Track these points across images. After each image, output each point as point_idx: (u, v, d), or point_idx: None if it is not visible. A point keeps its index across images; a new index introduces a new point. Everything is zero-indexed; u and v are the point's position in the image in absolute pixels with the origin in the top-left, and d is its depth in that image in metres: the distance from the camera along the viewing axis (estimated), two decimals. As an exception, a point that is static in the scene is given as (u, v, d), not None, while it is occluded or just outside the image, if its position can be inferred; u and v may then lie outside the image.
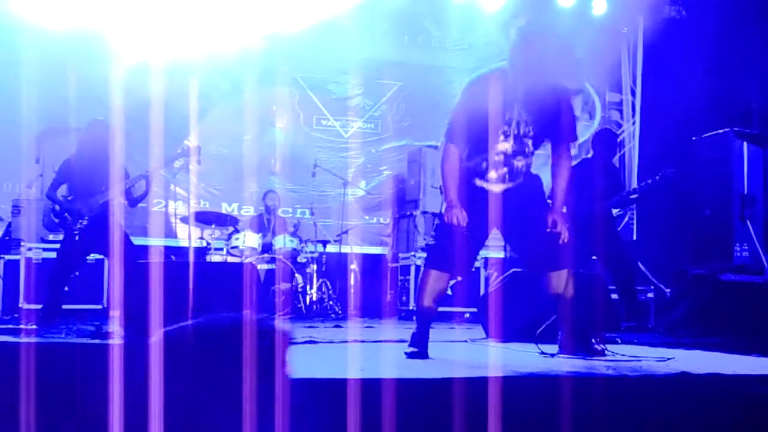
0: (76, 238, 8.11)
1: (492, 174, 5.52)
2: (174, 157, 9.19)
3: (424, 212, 11.60)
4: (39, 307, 8.56)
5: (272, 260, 10.82)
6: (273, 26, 11.99)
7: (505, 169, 5.52)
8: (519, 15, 5.50)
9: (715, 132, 11.07)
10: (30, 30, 10.89)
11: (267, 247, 10.98)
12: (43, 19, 11.13)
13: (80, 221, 8.08)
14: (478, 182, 5.55)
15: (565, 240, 5.48)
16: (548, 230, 5.47)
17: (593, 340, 5.73)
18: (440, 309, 5.84)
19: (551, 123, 5.51)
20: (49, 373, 5.35)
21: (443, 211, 5.53)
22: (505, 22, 5.60)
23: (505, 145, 5.48)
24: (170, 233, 11.81)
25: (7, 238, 10.56)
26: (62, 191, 8.36)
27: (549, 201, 5.72)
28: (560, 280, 5.55)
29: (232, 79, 12.56)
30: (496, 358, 5.66)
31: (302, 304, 10.95)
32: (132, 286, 6.39)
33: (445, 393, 3.82)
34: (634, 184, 12.70)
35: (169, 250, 10.93)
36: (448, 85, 13.13)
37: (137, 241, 9.03)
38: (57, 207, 8.20)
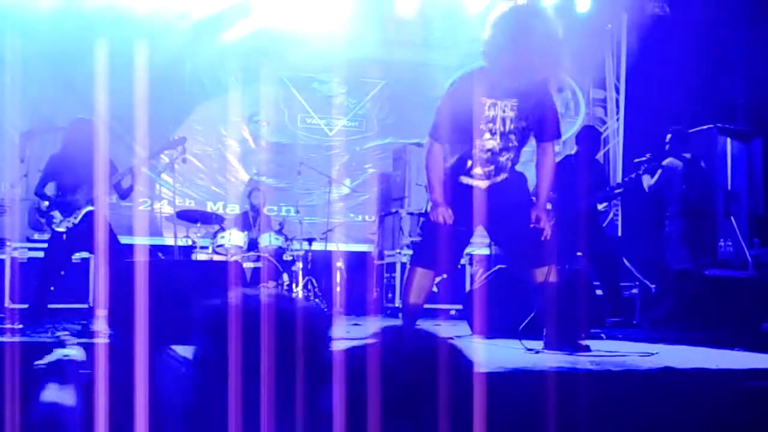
0: (64, 237, 8.09)
1: (477, 170, 5.55)
2: (160, 148, 9.19)
3: (410, 213, 11.62)
4: (25, 306, 8.54)
5: (258, 258, 10.81)
6: (257, 24, 11.99)
7: (492, 167, 5.55)
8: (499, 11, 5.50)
9: (699, 128, 11.12)
10: (12, 28, 10.86)
11: (253, 245, 10.97)
12: (26, 17, 11.11)
13: (68, 220, 8.06)
14: (464, 179, 5.58)
15: (548, 237, 5.51)
16: (531, 226, 5.50)
17: (579, 336, 5.75)
18: (426, 306, 5.85)
19: (535, 119, 5.54)
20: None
21: (429, 209, 5.57)
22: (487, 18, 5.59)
23: (491, 143, 5.51)
24: (156, 232, 11.78)
25: (-9, 237, 10.53)
26: (50, 189, 8.33)
27: (533, 198, 5.76)
28: (543, 276, 5.57)
29: (216, 77, 12.56)
30: (481, 354, 5.67)
31: (288, 302, 10.94)
32: (118, 284, 6.38)
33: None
34: (619, 180, 12.75)
35: (155, 249, 10.89)
36: (432, 83, 13.09)
37: (123, 240, 9.01)
38: (46, 204, 8.18)
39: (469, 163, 5.55)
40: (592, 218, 9.16)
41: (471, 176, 5.58)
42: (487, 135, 5.48)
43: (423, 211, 5.80)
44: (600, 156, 11.21)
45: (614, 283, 9.24)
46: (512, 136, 5.55)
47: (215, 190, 12.54)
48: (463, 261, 11.20)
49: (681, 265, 9.57)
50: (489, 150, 5.52)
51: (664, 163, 9.84)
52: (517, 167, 5.73)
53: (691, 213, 9.89)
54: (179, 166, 10.41)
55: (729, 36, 12.30)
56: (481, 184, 5.57)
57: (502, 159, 5.57)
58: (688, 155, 9.97)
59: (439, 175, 5.55)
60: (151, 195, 11.87)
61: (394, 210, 12.32)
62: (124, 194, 8.53)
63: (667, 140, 10.12)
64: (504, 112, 5.45)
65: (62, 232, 8.08)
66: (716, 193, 10.81)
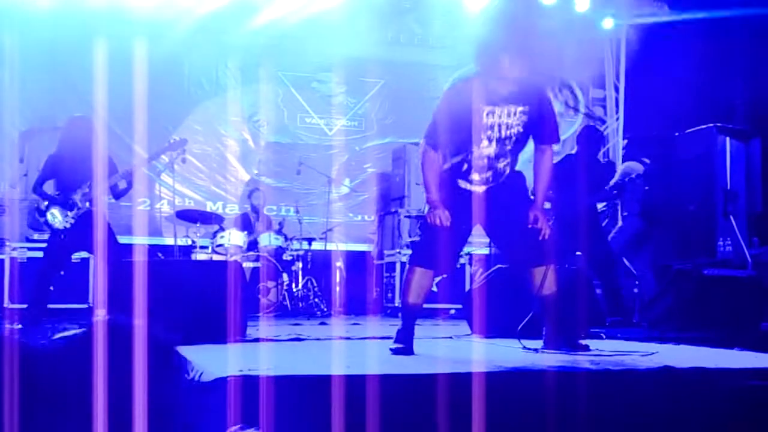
0: (63, 236, 8.09)
1: (475, 176, 5.53)
2: (160, 150, 9.19)
3: (408, 216, 11.63)
4: (24, 306, 8.54)
5: (258, 258, 10.82)
6: (256, 24, 11.99)
7: (489, 173, 5.52)
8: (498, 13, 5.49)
9: (698, 127, 11.11)
10: (11, 27, 10.86)
11: (252, 245, 10.98)
12: (26, 16, 11.11)
13: (66, 219, 8.05)
14: (461, 183, 5.56)
15: (546, 236, 5.49)
16: (530, 226, 5.49)
17: (578, 336, 5.76)
18: (425, 305, 5.85)
19: (534, 123, 5.52)
20: (34, 372, 5.34)
21: (426, 211, 5.56)
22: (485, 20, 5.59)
23: (489, 149, 5.48)
24: (155, 232, 11.79)
25: (-9, 237, 10.54)
26: (49, 188, 8.32)
27: (532, 197, 5.75)
28: (542, 276, 5.56)
29: (216, 77, 12.57)
30: (481, 353, 5.67)
31: (288, 301, 10.95)
32: (118, 284, 6.37)
33: (430, 389, 3.83)
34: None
35: (155, 249, 10.90)
36: (431, 83, 13.13)
37: (123, 240, 9.01)
38: (45, 203, 8.16)
39: (465, 166, 5.53)
40: (591, 218, 9.17)
41: (469, 181, 5.55)
42: (485, 142, 5.45)
43: (422, 213, 5.77)
44: (600, 155, 11.20)
45: (614, 283, 9.24)
46: (510, 142, 5.53)
47: (215, 190, 12.55)
48: (462, 260, 11.21)
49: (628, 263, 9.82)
50: (487, 156, 5.49)
51: (622, 167, 10.00)
52: (517, 167, 5.71)
53: (650, 214, 10.02)
54: (179, 166, 10.44)
55: (728, 35, 12.29)
56: (479, 189, 5.55)
57: (500, 165, 5.54)
58: (647, 160, 10.08)
59: (435, 178, 5.52)
60: (151, 195, 11.87)
61: (393, 210, 12.33)
62: (119, 195, 8.52)
63: (622, 146, 10.28)
64: (502, 118, 5.42)
65: (61, 232, 8.07)
66: (715, 192, 10.80)
